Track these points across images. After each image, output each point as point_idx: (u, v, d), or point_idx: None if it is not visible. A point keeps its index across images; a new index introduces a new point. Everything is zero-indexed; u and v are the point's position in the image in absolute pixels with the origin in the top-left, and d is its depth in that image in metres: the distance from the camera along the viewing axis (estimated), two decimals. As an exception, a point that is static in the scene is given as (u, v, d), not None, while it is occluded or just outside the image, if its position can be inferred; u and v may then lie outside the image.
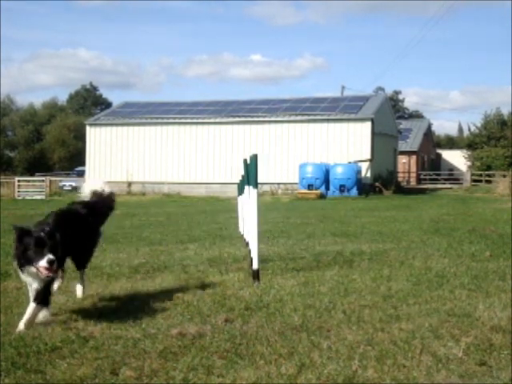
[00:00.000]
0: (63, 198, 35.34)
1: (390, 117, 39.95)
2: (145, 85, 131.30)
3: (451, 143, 78.86)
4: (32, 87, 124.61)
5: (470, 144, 54.53)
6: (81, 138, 51.63)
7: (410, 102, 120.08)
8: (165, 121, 37.07)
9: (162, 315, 4.94)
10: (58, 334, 4.41)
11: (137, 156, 37.16)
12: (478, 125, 54.52)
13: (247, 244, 8.74)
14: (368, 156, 33.15)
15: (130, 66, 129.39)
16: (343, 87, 48.42)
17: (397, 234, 11.55)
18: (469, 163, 52.49)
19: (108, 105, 77.25)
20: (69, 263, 5.44)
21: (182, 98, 42.52)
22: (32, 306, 4.57)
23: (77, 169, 52.41)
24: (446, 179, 52.01)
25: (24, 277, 4.61)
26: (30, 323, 4.52)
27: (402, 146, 50.22)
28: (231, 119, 35.90)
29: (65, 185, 44.03)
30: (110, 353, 3.95)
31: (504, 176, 36.39)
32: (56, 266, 4.44)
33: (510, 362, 3.67)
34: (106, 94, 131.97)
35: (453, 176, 53.59)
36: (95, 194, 5.75)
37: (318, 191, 30.45)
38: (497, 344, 4.01)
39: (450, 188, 41.48)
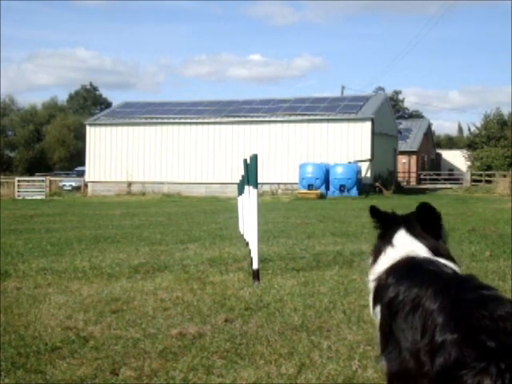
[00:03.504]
0: (63, 198, 35.36)
1: (390, 117, 39.92)
2: (144, 85, 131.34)
3: (451, 143, 78.81)
4: (31, 87, 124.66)
5: (469, 144, 54.50)
6: (81, 137, 51.61)
7: (409, 101, 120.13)
8: (165, 121, 37.06)
9: (162, 315, 4.94)
10: (57, 333, 4.41)
11: (137, 156, 37.15)
12: (478, 125, 54.54)
13: (247, 244, 8.75)
14: (368, 156, 33.14)
15: (129, 65, 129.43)
16: (343, 87, 48.44)
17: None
18: (469, 163, 52.47)
19: (108, 105, 77.22)
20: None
21: (182, 98, 42.55)
22: None
23: (77, 169, 52.37)
24: (445, 179, 51.97)
25: None
26: None
27: (402, 145, 50.20)
28: (231, 119, 35.89)
29: (65, 185, 44.01)
30: (110, 353, 3.95)
31: (504, 176, 36.38)
32: None
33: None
34: (105, 94, 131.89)
35: (453, 176, 53.56)
36: None
37: (318, 191, 30.43)
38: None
39: (450, 188, 41.46)
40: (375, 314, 2.34)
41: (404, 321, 2.07)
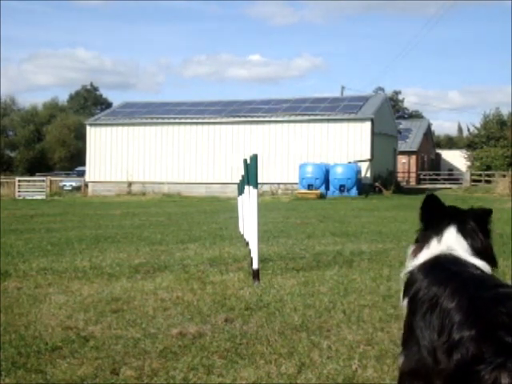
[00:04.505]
0: (63, 198, 35.36)
1: (389, 117, 39.92)
2: (144, 85, 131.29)
3: (451, 143, 78.81)
4: (32, 87, 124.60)
5: (469, 144, 54.52)
6: (81, 137, 51.59)
7: (409, 102, 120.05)
8: (165, 121, 37.06)
9: (162, 315, 4.95)
10: (58, 333, 4.41)
11: (137, 156, 37.15)
12: (478, 125, 54.56)
13: (247, 244, 8.76)
14: (368, 156, 33.15)
15: (129, 65, 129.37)
16: (343, 87, 48.39)
17: (397, 233, 11.56)
18: (468, 163, 52.48)
19: (108, 105, 77.22)
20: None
21: (182, 98, 42.55)
22: None
23: (77, 169, 52.37)
24: (445, 179, 51.98)
25: None
26: None
27: (402, 145, 50.20)
28: (231, 119, 35.89)
29: (65, 185, 44.00)
30: (110, 352, 3.96)
31: (503, 176, 36.37)
32: None
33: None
34: (106, 94, 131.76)
35: (452, 176, 53.56)
36: None
37: (318, 191, 30.44)
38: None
39: (450, 188, 41.45)
40: (402, 307, 2.36)
41: (422, 319, 2.08)
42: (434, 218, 2.50)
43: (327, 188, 31.25)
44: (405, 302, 2.31)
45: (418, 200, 2.59)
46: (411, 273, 2.34)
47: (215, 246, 9.77)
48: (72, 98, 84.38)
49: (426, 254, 2.39)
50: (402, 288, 2.39)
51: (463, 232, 2.42)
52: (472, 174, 44.64)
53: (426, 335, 2.04)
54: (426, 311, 2.07)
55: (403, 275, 2.44)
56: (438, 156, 63.44)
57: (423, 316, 2.08)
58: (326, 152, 33.44)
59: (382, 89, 70.35)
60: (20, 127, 67.95)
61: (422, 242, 2.48)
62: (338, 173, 31.06)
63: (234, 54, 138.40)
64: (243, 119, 35.66)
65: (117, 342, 4.19)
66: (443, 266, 2.26)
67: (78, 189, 40.82)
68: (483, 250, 2.42)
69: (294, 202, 27.90)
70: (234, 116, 36.13)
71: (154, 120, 37.37)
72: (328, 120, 34.12)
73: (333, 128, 33.95)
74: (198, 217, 17.68)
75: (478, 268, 2.27)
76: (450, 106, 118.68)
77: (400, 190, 35.80)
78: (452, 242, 2.38)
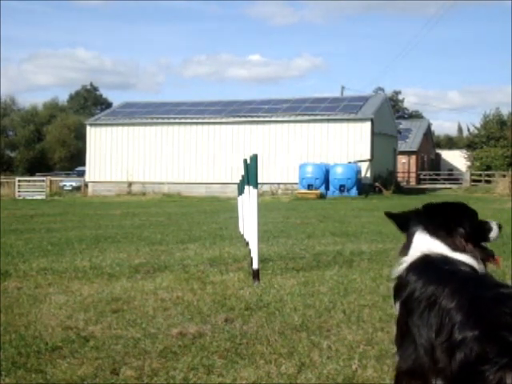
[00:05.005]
0: (63, 198, 35.36)
1: (389, 117, 39.92)
2: (144, 85, 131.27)
3: (451, 143, 78.82)
4: (32, 87, 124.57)
5: (469, 144, 54.54)
6: (81, 137, 51.58)
7: (409, 102, 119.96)
8: (165, 121, 37.05)
9: (162, 315, 4.95)
10: (58, 333, 4.42)
11: (137, 156, 37.15)
12: (478, 125, 54.58)
13: (247, 244, 8.76)
14: (368, 156, 33.16)
15: (129, 65, 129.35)
16: (343, 87, 48.40)
17: (396, 233, 11.52)
18: (468, 163, 52.48)
19: (108, 105, 77.22)
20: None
21: (182, 98, 42.55)
22: None
23: (77, 169, 52.38)
24: (445, 179, 51.96)
25: None
26: None
27: (402, 145, 50.20)
28: (231, 119, 35.88)
29: (65, 185, 44.00)
30: (110, 352, 3.96)
31: (503, 176, 36.38)
32: None
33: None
34: (106, 94, 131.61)
35: (452, 176, 53.56)
36: None
37: (318, 191, 30.45)
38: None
39: (450, 188, 41.46)
40: (395, 310, 2.37)
41: (419, 318, 2.08)
42: (402, 226, 2.60)
43: (327, 188, 31.24)
44: (397, 306, 2.32)
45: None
46: (399, 277, 2.36)
47: (215, 245, 9.77)
48: (72, 97, 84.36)
49: (407, 259, 2.43)
50: (392, 293, 2.40)
51: (429, 230, 2.46)
52: (472, 174, 44.64)
53: (424, 333, 2.03)
54: (423, 310, 2.07)
55: (392, 283, 2.47)
56: (438, 156, 63.44)
57: (420, 315, 2.08)
58: (326, 152, 33.44)
59: (381, 89, 70.38)
60: (20, 127, 67.92)
61: (401, 249, 2.54)
62: (338, 173, 31.06)
63: (233, 54, 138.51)
64: (243, 119, 35.65)
65: (117, 341, 4.19)
66: (435, 265, 2.27)
67: (77, 189, 40.82)
68: (456, 246, 2.43)
69: (294, 201, 27.90)
70: (234, 116, 36.13)
71: (154, 120, 37.37)
72: (328, 120, 34.12)
73: (333, 128, 33.95)
74: (198, 217, 17.68)
75: (465, 264, 2.28)
76: (450, 106, 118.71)
77: (400, 190, 35.81)
78: (426, 243, 2.42)
